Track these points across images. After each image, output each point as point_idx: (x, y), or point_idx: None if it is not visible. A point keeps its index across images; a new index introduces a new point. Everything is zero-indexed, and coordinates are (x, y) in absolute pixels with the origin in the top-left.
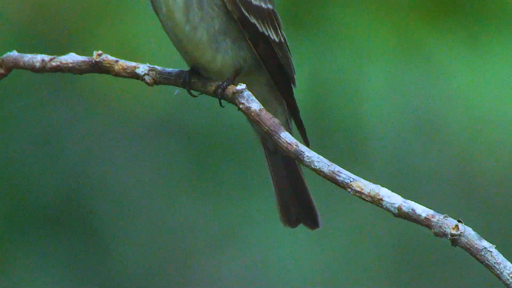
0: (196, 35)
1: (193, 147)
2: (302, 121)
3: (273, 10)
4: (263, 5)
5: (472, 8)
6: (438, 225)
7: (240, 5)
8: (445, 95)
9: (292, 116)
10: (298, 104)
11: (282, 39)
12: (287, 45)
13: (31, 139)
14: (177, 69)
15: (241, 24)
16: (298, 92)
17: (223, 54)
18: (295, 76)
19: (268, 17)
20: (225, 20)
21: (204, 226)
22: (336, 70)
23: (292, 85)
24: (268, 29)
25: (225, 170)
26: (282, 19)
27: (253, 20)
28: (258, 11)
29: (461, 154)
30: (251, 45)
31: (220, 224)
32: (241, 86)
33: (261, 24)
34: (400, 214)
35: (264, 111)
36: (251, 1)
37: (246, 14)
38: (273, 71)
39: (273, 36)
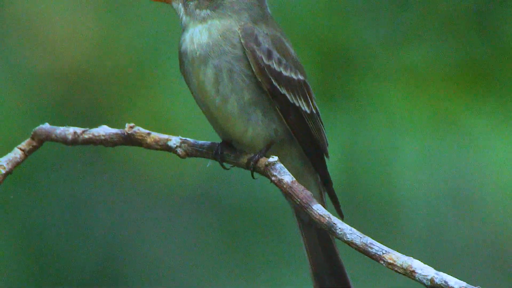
0: (227, 107)
1: (226, 219)
2: (335, 193)
3: (304, 81)
4: (293, 76)
5: (507, 81)
6: None
7: (270, 76)
8: (479, 168)
9: (325, 188)
10: (331, 175)
11: (314, 110)
12: (319, 117)
13: (63, 210)
14: (209, 142)
15: (271, 95)
16: (331, 163)
17: (254, 126)
18: (328, 148)
19: (299, 88)
20: (255, 91)
21: None
22: (369, 142)
23: (325, 157)
24: (299, 100)
25: (258, 243)
26: (315, 91)
27: (283, 91)
28: (289, 82)
29: (494, 226)
30: (282, 116)
31: None
32: (273, 159)
33: (292, 95)
34: (433, 286)
35: (296, 183)
36: (281, 72)
37: (276, 85)
38: (305, 143)
39: (304, 107)
